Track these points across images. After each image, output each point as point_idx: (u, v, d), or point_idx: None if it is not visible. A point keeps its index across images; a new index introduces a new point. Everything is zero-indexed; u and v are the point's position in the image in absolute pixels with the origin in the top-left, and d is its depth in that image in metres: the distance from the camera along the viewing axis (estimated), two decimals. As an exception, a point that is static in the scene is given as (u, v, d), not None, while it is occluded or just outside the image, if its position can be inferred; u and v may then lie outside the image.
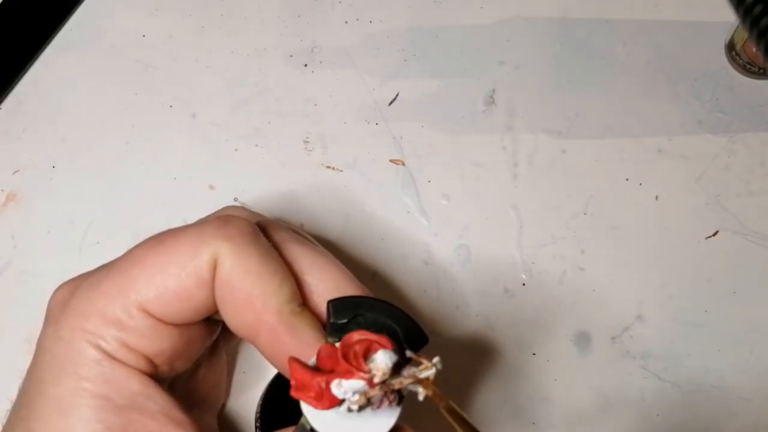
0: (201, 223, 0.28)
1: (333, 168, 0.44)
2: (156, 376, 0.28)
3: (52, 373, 0.27)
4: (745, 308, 0.41)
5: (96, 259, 0.43)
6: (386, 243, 0.43)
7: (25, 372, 0.37)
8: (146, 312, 0.27)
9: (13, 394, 0.37)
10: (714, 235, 0.43)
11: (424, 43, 0.48)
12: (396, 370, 0.23)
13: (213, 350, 0.35)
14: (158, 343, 0.27)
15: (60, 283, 0.40)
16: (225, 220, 0.28)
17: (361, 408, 0.22)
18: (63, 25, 0.48)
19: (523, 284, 0.42)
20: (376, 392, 0.22)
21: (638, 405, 0.39)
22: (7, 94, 0.46)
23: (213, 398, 0.36)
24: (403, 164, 0.45)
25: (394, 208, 0.43)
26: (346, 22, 0.48)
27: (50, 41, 0.47)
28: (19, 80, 0.46)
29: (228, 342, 0.37)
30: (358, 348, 0.22)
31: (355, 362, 0.21)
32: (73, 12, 0.48)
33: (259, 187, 0.44)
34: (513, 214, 0.43)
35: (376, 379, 0.21)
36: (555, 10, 0.49)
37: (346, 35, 0.48)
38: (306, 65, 0.47)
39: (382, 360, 0.21)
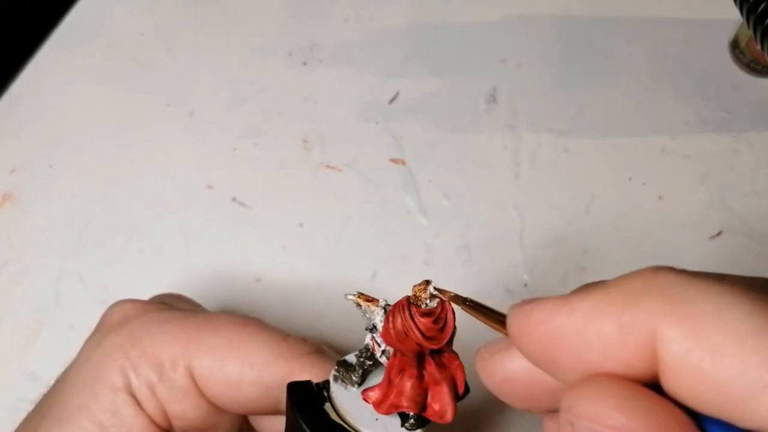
0: (281, 334, 0.28)
1: (333, 167, 0.44)
2: None
3: (74, 381, 0.26)
4: (749, 309, 0.41)
5: (93, 259, 0.43)
6: (386, 243, 0.42)
7: (21, 374, 0.37)
8: (190, 375, 0.26)
9: (8, 396, 0.36)
10: (718, 235, 0.43)
11: (424, 40, 0.48)
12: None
13: None
14: (183, 408, 0.27)
15: (57, 284, 0.40)
16: (305, 341, 0.28)
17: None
18: (60, 23, 0.47)
19: (525, 285, 0.41)
20: (363, 302, 0.25)
21: (641, 407, 0.39)
22: (3, 93, 0.46)
23: None
24: (404, 163, 0.44)
25: (394, 208, 0.43)
26: (346, 20, 0.48)
27: (47, 39, 0.47)
28: (15, 79, 0.46)
29: None
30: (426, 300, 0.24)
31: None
32: (70, 10, 0.48)
33: (258, 186, 0.43)
34: (515, 214, 0.43)
35: (381, 302, 0.26)
36: (557, 7, 0.49)
37: (345, 33, 0.48)
38: (305, 63, 0.47)
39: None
